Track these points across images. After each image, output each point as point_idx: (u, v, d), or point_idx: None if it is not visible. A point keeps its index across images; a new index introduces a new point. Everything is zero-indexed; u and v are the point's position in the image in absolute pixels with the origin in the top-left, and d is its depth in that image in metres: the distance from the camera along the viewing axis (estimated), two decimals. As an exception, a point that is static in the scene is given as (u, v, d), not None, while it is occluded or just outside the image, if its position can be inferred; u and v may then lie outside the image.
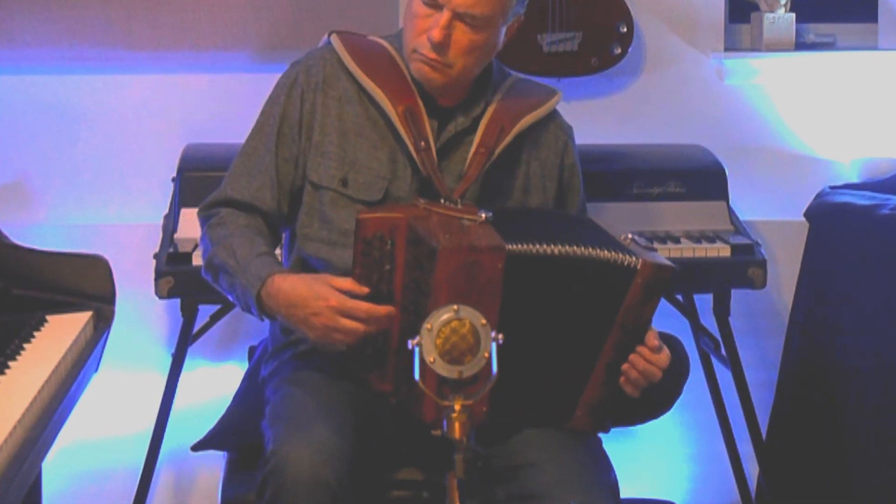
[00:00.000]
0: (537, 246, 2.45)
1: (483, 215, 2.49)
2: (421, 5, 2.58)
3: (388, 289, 2.47)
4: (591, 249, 2.48)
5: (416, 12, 2.60)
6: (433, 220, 2.49)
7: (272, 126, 2.72)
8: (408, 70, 2.68)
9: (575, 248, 2.47)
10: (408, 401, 2.47)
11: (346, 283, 2.47)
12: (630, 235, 2.60)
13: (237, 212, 2.70)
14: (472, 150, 2.67)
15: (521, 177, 2.76)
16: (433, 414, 2.37)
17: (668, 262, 2.53)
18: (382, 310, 2.44)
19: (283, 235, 2.84)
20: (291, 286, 2.51)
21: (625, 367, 2.52)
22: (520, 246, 2.43)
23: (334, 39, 2.74)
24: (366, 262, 2.48)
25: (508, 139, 2.69)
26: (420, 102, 2.66)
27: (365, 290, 2.46)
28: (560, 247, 2.47)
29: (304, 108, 2.71)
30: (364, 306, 2.44)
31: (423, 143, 2.63)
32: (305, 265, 2.72)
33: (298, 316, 2.49)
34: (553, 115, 2.81)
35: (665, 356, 2.54)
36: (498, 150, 2.67)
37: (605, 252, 2.48)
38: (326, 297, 2.45)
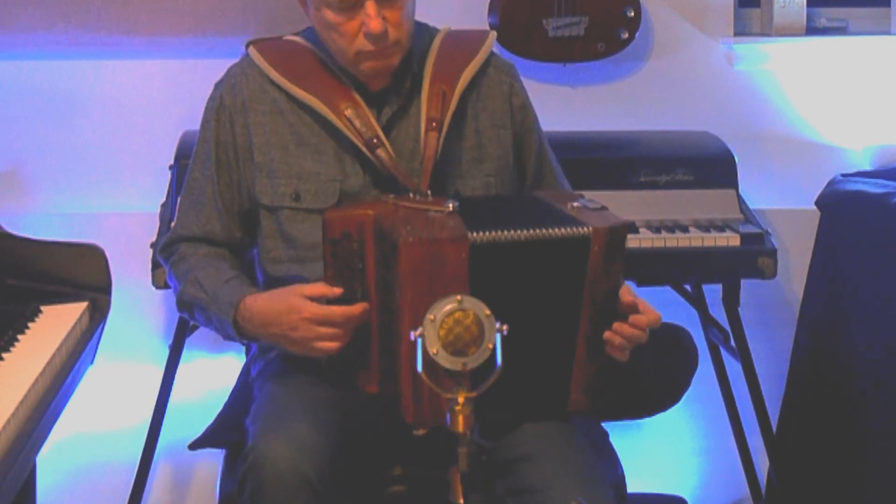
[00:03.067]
0: (500, 232, 2.39)
1: (451, 205, 2.45)
2: (335, 14, 2.55)
3: (362, 288, 2.44)
4: (546, 229, 2.41)
5: (335, 21, 2.56)
6: (399, 214, 2.45)
7: (208, 153, 2.71)
8: (333, 65, 2.66)
9: (534, 230, 2.41)
10: (392, 400, 2.44)
11: (318, 287, 2.45)
12: (576, 204, 2.54)
13: (195, 243, 2.71)
14: (423, 128, 2.63)
15: (473, 134, 2.72)
16: (412, 415, 2.37)
17: (619, 221, 2.47)
18: (357, 309, 2.42)
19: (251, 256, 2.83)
20: (264, 305, 2.51)
21: (607, 335, 2.45)
22: (483, 234, 2.37)
23: (252, 52, 2.71)
24: (336, 264, 2.45)
25: (454, 104, 2.66)
26: (358, 98, 2.64)
27: (337, 290, 2.44)
28: (521, 231, 2.40)
29: (236, 130, 2.69)
30: (339, 310, 2.42)
31: (375, 140, 2.60)
32: (278, 286, 2.66)
33: (277, 334, 2.48)
34: (490, 58, 2.77)
35: (650, 317, 2.47)
36: (447, 120, 2.64)
37: (559, 229, 2.42)
38: (300, 310, 2.44)
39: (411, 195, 2.53)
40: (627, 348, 2.48)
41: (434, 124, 2.62)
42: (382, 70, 2.61)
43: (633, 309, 2.47)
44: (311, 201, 2.63)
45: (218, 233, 2.71)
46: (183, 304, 2.66)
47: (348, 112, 2.61)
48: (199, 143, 2.74)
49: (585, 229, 2.42)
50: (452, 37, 2.78)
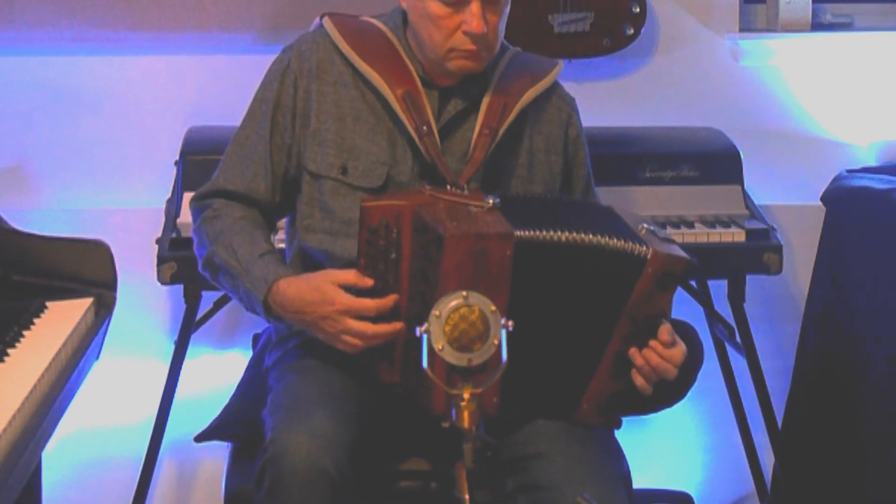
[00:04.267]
0: (546, 232, 2.41)
1: (490, 201, 2.46)
2: (440, 6, 2.56)
3: (394, 278, 2.44)
4: (600, 237, 2.44)
5: (437, 13, 2.56)
6: (439, 206, 2.46)
7: (265, 113, 2.71)
8: (405, 51, 2.68)
9: (584, 235, 2.44)
10: (417, 392, 2.43)
11: (350, 276, 2.45)
12: (646, 226, 2.55)
13: (232, 203, 2.69)
14: (476, 131, 2.65)
15: (525, 153, 2.73)
16: (443, 406, 2.34)
17: (682, 254, 2.49)
18: (388, 301, 2.42)
19: (282, 224, 2.83)
20: (297, 292, 2.50)
21: (639, 362, 2.47)
22: (528, 232, 2.40)
23: (327, 22, 2.72)
24: (370, 252, 2.44)
25: (512, 117, 2.67)
26: (419, 85, 2.65)
27: (369, 282, 2.43)
28: (569, 233, 2.43)
29: (298, 94, 2.69)
30: (372, 304, 2.42)
31: (425, 128, 2.61)
32: (306, 257, 2.70)
33: (307, 321, 2.48)
34: (554, 87, 2.79)
35: (679, 352, 2.49)
36: (502, 130, 2.65)
37: (615, 241, 2.45)
38: (332, 301, 2.44)
39: (448, 187, 2.54)
40: (653, 380, 2.48)
41: (487, 131, 2.64)
42: (468, 71, 2.62)
43: (669, 347, 2.48)
44: (357, 178, 2.64)
45: (262, 192, 2.69)
46: (210, 265, 2.65)
47: (405, 95, 2.62)
48: (256, 101, 2.74)
49: (645, 249, 2.44)
50: (522, 57, 2.80)
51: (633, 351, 2.47)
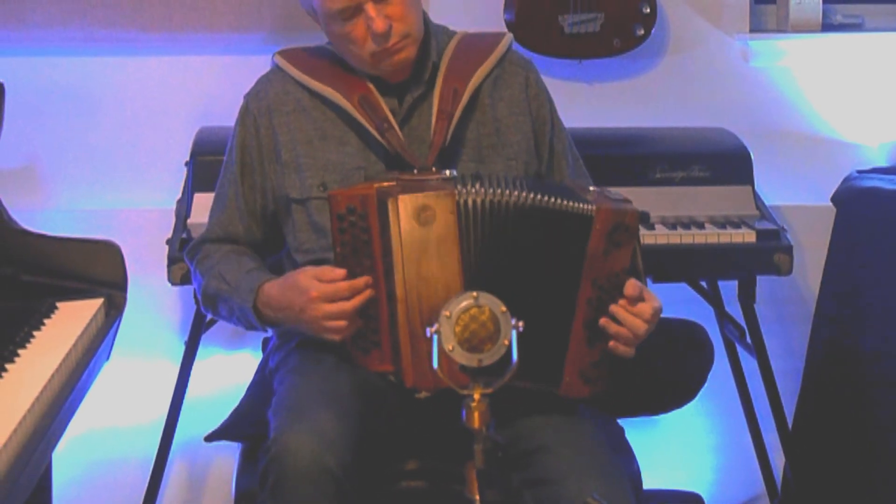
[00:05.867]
0: (487, 190, 2.45)
1: (447, 172, 2.54)
2: (341, 24, 2.62)
3: (370, 262, 2.48)
4: (542, 197, 2.47)
5: (343, 31, 2.64)
6: (399, 185, 2.52)
7: (232, 159, 2.79)
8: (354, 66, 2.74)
9: (527, 194, 2.47)
10: (399, 371, 2.49)
11: (327, 269, 2.50)
12: (593, 188, 2.58)
13: (218, 243, 2.78)
14: (434, 117, 2.70)
15: (491, 122, 2.77)
16: (412, 379, 2.44)
17: (630, 207, 2.49)
18: (359, 281, 2.47)
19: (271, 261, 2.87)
20: (278, 290, 2.57)
21: (602, 321, 2.46)
22: (469, 188, 2.45)
23: (278, 58, 2.81)
24: (344, 239, 2.50)
25: (464, 101, 2.72)
26: (371, 87, 2.71)
27: (342, 272, 2.48)
28: (511, 192, 2.46)
29: (261, 133, 2.76)
30: (344, 285, 2.47)
31: (385, 125, 2.67)
32: None
33: (291, 317, 2.54)
34: (506, 54, 2.83)
35: (649, 307, 2.47)
36: (457, 115, 2.70)
37: (559, 200, 2.47)
38: (306, 289, 2.49)
39: (415, 171, 2.60)
40: (628, 341, 2.48)
41: (443, 116, 2.69)
42: (401, 64, 2.67)
43: (636, 301, 2.47)
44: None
45: (240, 234, 2.77)
46: (207, 298, 2.71)
47: (360, 100, 2.68)
48: (227, 152, 2.82)
49: (589, 207, 2.46)
50: (468, 39, 2.84)
51: (604, 321, 2.46)
